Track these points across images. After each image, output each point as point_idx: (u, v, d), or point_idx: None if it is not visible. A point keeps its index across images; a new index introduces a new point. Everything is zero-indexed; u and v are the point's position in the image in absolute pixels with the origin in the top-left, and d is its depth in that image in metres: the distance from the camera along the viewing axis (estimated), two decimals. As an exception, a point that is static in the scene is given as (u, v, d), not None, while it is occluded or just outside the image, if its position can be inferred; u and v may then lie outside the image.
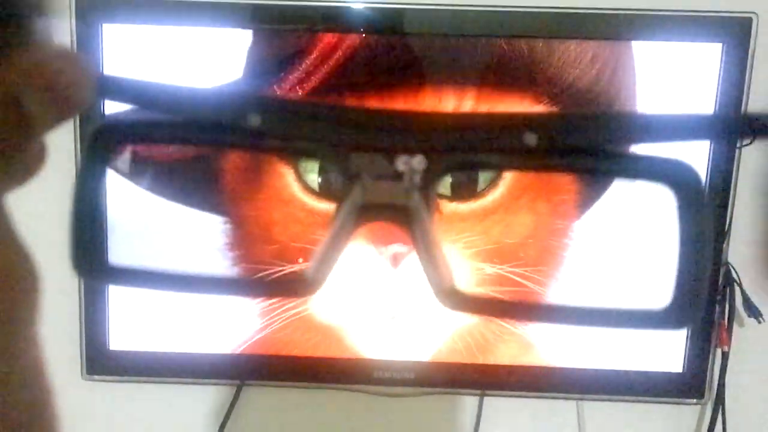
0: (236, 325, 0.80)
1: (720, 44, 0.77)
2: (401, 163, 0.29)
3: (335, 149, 0.29)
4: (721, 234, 0.82)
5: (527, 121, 0.28)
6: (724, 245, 0.83)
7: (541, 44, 0.71)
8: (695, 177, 0.28)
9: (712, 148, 0.79)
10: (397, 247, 0.68)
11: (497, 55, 0.70)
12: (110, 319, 0.82)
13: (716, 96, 0.78)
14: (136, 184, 0.74)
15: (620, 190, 0.75)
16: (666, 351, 0.84)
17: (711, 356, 0.85)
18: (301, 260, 0.71)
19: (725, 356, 0.85)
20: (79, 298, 0.82)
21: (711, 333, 0.84)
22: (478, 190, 0.70)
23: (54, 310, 0.86)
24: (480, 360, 0.81)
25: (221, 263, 0.74)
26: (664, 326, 0.30)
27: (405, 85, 0.70)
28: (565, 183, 0.72)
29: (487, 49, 0.70)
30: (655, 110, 0.77)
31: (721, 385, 0.86)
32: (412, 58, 0.71)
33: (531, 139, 0.28)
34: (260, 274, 0.71)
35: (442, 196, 0.71)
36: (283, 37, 0.72)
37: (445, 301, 0.29)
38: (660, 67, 0.77)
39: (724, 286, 0.84)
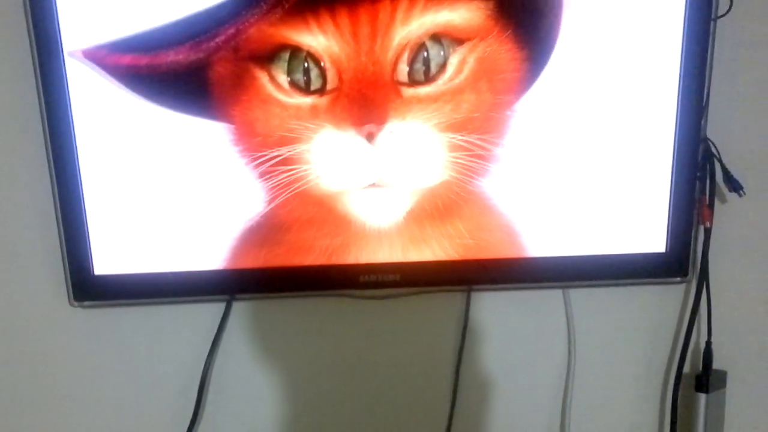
0: (238, 212, 0.82)
1: None
2: None
3: None
4: (698, 109, 0.81)
5: None
6: (702, 121, 0.82)
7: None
8: None
9: (686, 19, 0.78)
10: (370, 127, 0.77)
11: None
12: (92, 244, 0.84)
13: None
14: (142, 96, 0.79)
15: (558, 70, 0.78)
16: (648, 232, 0.84)
17: (693, 234, 0.85)
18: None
19: (708, 233, 0.85)
20: (58, 225, 0.83)
21: (692, 211, 0.84)
22: (431, 75, 0.77)
23: (35, 239, 0.88)
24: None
25: (232, 156, 0.80)
26: None
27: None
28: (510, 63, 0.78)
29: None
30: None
31: (705, 262, 0.86)
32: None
33: None
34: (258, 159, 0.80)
35: (401, 83, 0.77)
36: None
37: None
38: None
39: (703, 162, 0.83)
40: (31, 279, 0.90)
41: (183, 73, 0.78)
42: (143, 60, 0.79)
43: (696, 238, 0.86)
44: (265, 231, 0.83)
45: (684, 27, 0.78)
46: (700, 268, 0.86)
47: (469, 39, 0.76)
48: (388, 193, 0.81)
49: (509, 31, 0.76)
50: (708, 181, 0.84)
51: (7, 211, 0.88)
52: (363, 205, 0.81)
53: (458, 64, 0.76)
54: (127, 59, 0.79)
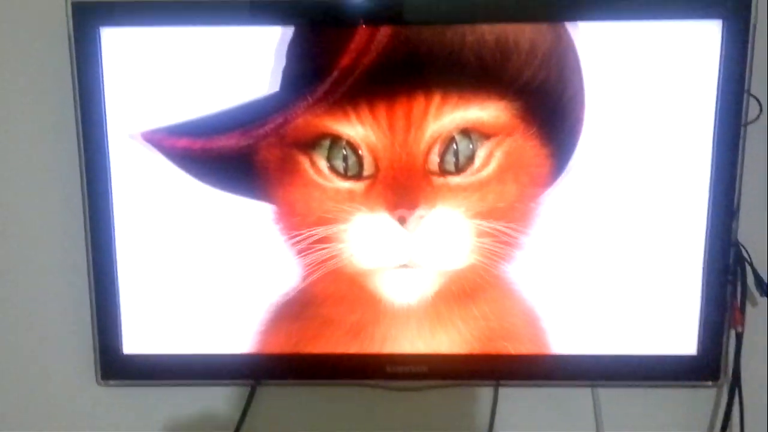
0: (275, 287, 0.86)
1: (720, 21, 0.78)
2: None
3: None
4: (729, 213, 0.81)
5: None
6: (733, 224, 0.82)
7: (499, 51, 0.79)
8: None
9: (717, 125, 0.79)
10: (402, 211, 0.82)
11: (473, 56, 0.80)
12: (123, 323, 0.87)
13: (719, 74, 0.78)
14: (193, 176, 0.85)
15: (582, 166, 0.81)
16: (679, 334, 0.84)
17: (725, 337, 0.83)
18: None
19: (739, 337, 0.83)
20: (91, 304, 0.86)
21: (724, 314, 0.83)
22: (460, 166, 0.81)
23: (66, 316, 0.92)
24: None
25: (272, 233, 0.85)
26: None
27: (400, 93, 0.80)
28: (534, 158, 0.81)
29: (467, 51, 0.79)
30: (656, 92, 0.79)
31: (737, 366, 0.84)
32: (410, 61, 0.80)
33: None
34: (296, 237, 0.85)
35: (432, 173, 0.81)
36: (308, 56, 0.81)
37: None
38: (661, 48, 0.78)
39: (735, 266, 0.83)
40: (60, 356, 0.93)
41: (232, 156, 0.84)
42: (198, 143, 0.85)
43: (728, 342, 0.84)
44: (298, 306, 0.86)
45: (714, 133, 0.80)
46: (732, 373, 0.84)
47: (496, 134, 0.80)
48: (418, 273, 0.84)
49: (534, 129, 0.79)
50: (739, 285, 0.83)
51: (40, 287, 0.92)
52: (393, 284, 0.84)
53: (485, 157, 0.80)
54: (183, 142, 0.85)
